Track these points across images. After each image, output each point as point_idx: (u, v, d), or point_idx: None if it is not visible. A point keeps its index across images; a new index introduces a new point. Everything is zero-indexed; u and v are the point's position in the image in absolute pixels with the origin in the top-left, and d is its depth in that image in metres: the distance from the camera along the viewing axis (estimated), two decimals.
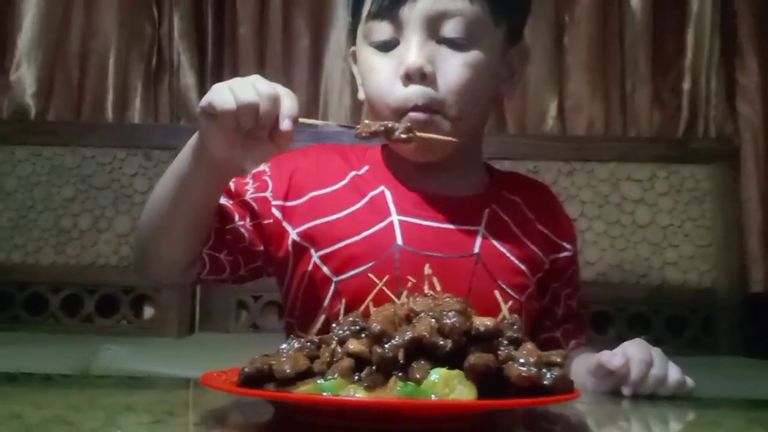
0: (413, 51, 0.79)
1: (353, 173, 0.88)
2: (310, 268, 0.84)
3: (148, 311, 1.96)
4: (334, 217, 0.84)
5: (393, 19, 0.80)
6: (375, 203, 0.85)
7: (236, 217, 0.85)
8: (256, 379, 0.54)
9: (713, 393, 0.86)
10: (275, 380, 0.54)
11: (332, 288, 0.82)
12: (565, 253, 0.93)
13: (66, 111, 2.06)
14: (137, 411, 0.60)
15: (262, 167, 0.89)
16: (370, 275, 0.78)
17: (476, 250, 0.84)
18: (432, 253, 0.82)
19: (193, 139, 0.76)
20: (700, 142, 2.02)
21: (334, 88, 2.06)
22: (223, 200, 0.85)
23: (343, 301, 0.79)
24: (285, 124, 0.69)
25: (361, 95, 0.88)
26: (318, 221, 0.84)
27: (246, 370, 0.54)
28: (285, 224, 0.85)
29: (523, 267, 0.86)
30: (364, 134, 0.76)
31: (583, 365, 0.81)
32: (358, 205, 0.85)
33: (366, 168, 0.89)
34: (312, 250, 0.84)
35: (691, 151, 1.99)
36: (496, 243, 0.86)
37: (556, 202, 0.99)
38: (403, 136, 0.76)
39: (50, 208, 1.94)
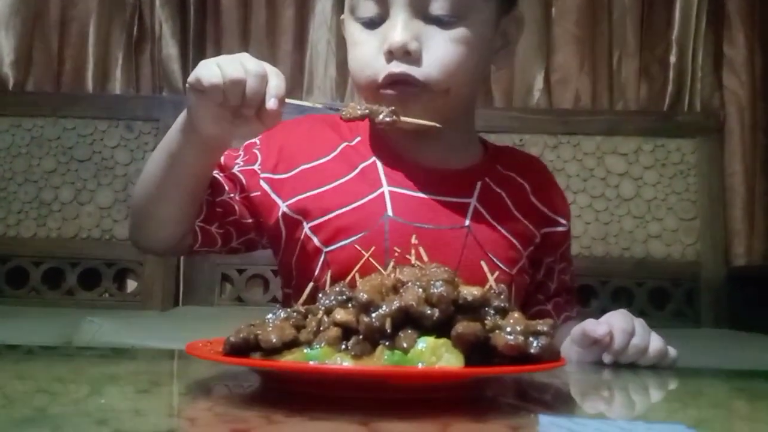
0: (398, 28, 0.77)
1: (344, 144, 0.88)
2: (302, 238, 0.83)
3: (131, 284, 1.95)
4: (325, 188, 0.84)
5: None
6: (366, 174, 0.85)
7: (226, 190, 0.85)
8: (242, 348, 0.53)
9: (696, 364, 0.87)
10: (261, 350, 0.53)
11: (322, 258, 0.82)
12: (560, 228, 0.93)
13: (45, 81, 2.02)
14: (122, 381, 0.59)
15: (254, 139, 0.88)
16: (358, 246, 0.77)
17: (467, 222, 0.84)
18: (423, 225, 0.82)
19: (182, 116, 0.76)
20: (686, 115, 2.03)
21: (319, 59, 2.03)
22: (214, 173, 0.84)
23: (329, 271, 0.79)
24: (271, 103, 0.69)
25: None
26: (308, 193, 0.84)
27: (232, 339, 0.53)
28: (274, 196, 0.85)
29: (514, 240, 0.86)
30: (349, 116, 0.75)
31: (568, 335, 0.81)
32: (348, 177, 0.85)
33: (358, 139, 0.89)
34: (304, 222, 0.83)
35: (677, 125, 2.00)
36: (487, 216, 0.85)
37: (551, 178, 0.99)
38: (387, 119, 0.75)
39: (31, 180, 1.92)
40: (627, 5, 2.03)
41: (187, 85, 0.72)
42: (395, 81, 0.78)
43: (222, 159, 0.86)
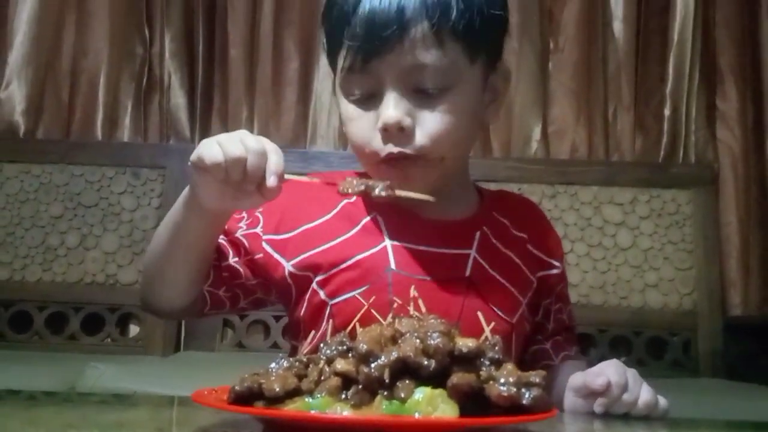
0: (390, 106, 0.78)
1: (344, 202, 0.89)
2: (309, 293, 0.86)
3: (134, 329, 1.96)
4: (329, 245, 0.86)
5: (368, 72, 0.79)
6: (368, 230, 0.87)
7: (230, 254, 0.88)
8: (246, 397, 0.56)
9: (693, 415, 0.88)
10: (265, 398, 0.55)
11: (327, 311, 0.84)
12: (555, 271, 0.94)
13: (55, 129, 2.07)
14: (130, 428, 0.61)
15: None
16: (361, 298, 0.79)
17: (467, 273, 0.86)
18: (424, 277, 0.83)
19: (187, 190, 0.80)
20: (680, 167, 2.07)
21: (323, 110, 2.08)
22: (219, 238, 0.88)
23: (331, 321, 0.81)
24: (271, 181, 0.72)
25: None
26: (313, 251, 0.86)
27: (236, 388, 0.56)
28: (277, 257, 0.87)
29: (513, 289, 0.88)
30: (346, 191, 0.78)
31: (567, 374, 0.83)
32: (351, 233, 0.87)
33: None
34: (312, 276, 0.86)
35: (672, 176, 2.03)
36: (486, 266, 0.87)
37: (543, 219, 1.01)
38: (383, 194, 0.76)
39: (38, 226, 1.95)
40: (621, 60, 2.09)
41: (189, 163, 0.75)
42: (393, 158, 0.81)
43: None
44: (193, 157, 0.74)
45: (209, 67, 2.09)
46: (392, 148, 0.80)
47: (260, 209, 0.90)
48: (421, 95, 0.80)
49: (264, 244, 0.88)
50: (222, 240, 0.88)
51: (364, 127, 0.82)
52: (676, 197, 2.00)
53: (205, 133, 2.06)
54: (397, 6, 0.77)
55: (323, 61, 2.07)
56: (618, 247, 1.97)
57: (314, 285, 0.85)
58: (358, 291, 0.82)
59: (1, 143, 2.03)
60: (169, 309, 0.89)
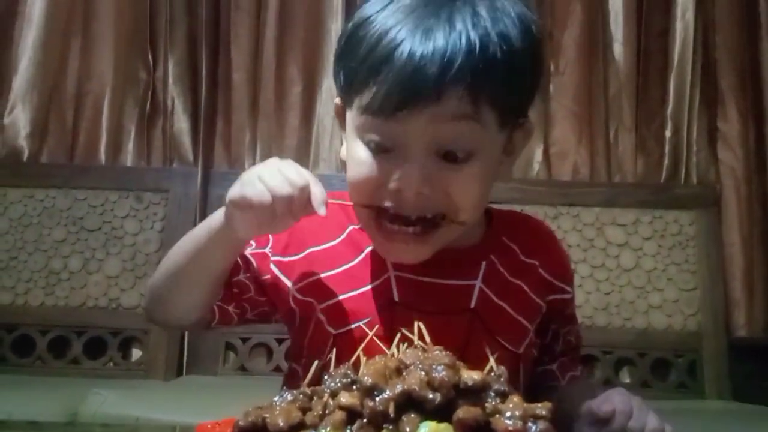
0: (416, 174, 0.73)
1: (351, 228, 0.88)
2: (314, 320, 0.85)
3: (136, 353, 1.96)
4: (333, 272, 0.85)
5: (395, 121, 0.72)
6: (372, 259, 0.86)
7: (241, 270, 0.88)
8: (250, 431, 0.55)
9: None
10: None
11: (330, 341, 0.83)
12: (565, 295, 0.93)
13: (59, 153, 2.08)
14: None
15: None
16: (365, 328, 0.79)
17: (473, 305, 0.84)
18: (428, 311, 0.80)
19: (216, 219, 0.79)
20: (682, 188, 2.07)
21: (326, 134, 2.10)
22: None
23: (335, 350, 0.80)
24: (322, 211, 0.72)
25: (343, 154, 0.86)
26: (317, 277, 0.85)
27: (240, 423, 0.55)
28: (283, 279, 0.86)
29: (520, 318, 0.86)
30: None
31: (573, 395, 0.82)
32: (355, 262, 0.86)
33: None
34: (315, 304, 0.85)
35: (675, 197, 2.04)
36: (493, 297, 0.85)
37: (554, 242, 0.98)
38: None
39: (41, 250, 1.95)
40: (622, 82, 2.10)
41: (228, 200, 0.74)
42: (396, 216, 0.76)
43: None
44: (235, 195, 0.72)
45: (212, 91, 2.10)
46: (401, 210, 0.76)
47: None
48: (444, 160, 0.74)
49: (272, 266, 0.87)
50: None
51: (373, 176, 0.76)
52: (679, 218, 2.00)
53: (209, 156, 2.07)
54: (442, 55, 0.70)
55: (325, 86, 2.10)
56: (621, 268, 1.97)
57: (318, 314, 0.84)
58: (362, 322, 0.81)
59: (5, 167, 2.04)
60: (177, 324, 0.91)
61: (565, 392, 0.89)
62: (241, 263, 0.88)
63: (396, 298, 0.83)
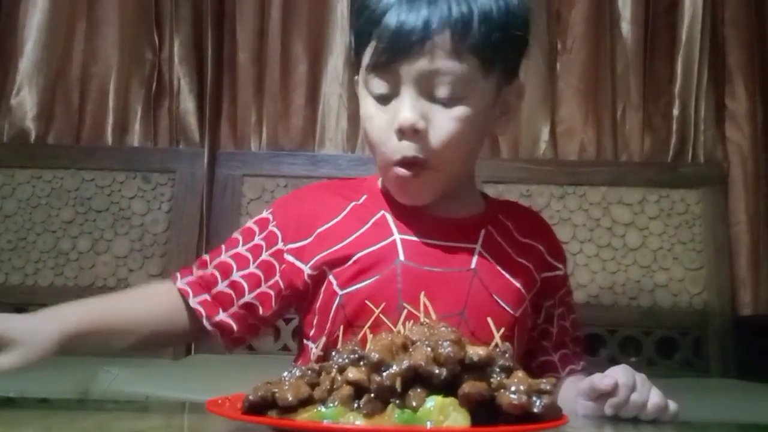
0: (407, 108, 0.83)
1: (353, 203, 0.93)
2: (325, 285, 0.89)
3: None
4: (343, 243, 0.89)
5: (389, 73, 0.84)
6: (378, 226, 0.91)
7: (262, 279, 0.91)
8: (259, 406, 0.56)
9: (704, 416, 0.88)
10: (278, 407, 0.56)
11: (337, 301, 0.87)
12: (557, 272, 0.97)
13: (66, 134, 2.09)
14: None
15: (266, 215, 0.95)
16: (370, 286, 0.84)
17: (473, 265, 0.89)
18: (432, 268, 0.87)
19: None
20: (689, 166, 2.06)
21: (331, 113, 2.09)
22: (236, 275, 0.91)
23: (342, 327, 0.83)
24: None
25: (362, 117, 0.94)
26: (327, 251, 0.89)
27: (250, 398, 0.56)
28: (298, 263, 0.91)
29: (517, 284, 0.90)
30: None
31: (573, 387, 0.84)
32: (362, 230, 0.90)
33: (365, 197, 0.94)
34: (327, 271, 0.89)
35: (681, 176, 2.03)
36: (491, 261, 0.90)
37: (547, 226, 1.04)
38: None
39: (49, 230, 1.97)
40: (630, 60, 2.08)
41: None
42: (407, 162, 0.84)
43: (243, 252, 0.92)
44: None
45: (218, 71, 2.10)
46: (407, 151, 0.84)
47: (274, 223, 0.93)
48: (435, 102, 0.84)
49: (286, 255, 0.91)
50: (256, 269, 0.91)
51: (382, 126, 0.85)
52: (686, 197, 2.00)
53: (215, 137, 2.08)
54: (424, 17, 0.82)
55: (331, 65, 2.09)
56: (627, 247, 1.97)
57: (329, 276, 0.88)
58: (368, 281, 0.86)
59: (13, 149, 2.05)
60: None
61: (562, 384, 0.92)
62: (260, 272, 0.91)
63: (402, 258, 0.88)
